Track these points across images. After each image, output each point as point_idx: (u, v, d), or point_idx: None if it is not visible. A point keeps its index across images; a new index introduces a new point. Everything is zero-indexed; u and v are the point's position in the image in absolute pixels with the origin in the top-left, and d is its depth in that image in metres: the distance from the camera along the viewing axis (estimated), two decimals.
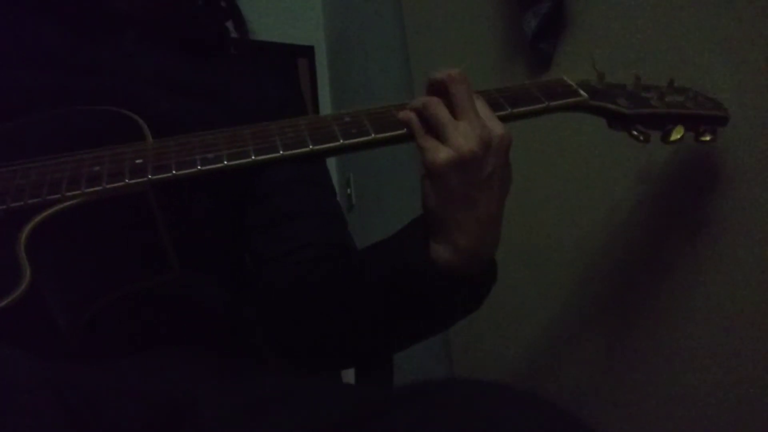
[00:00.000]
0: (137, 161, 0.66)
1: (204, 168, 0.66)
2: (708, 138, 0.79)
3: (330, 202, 0.93)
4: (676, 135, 0.77)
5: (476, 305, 0.78)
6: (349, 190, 2.31)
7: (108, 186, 0.64)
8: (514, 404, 0.54)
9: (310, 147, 0.68)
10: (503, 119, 0.72)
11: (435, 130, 0.69)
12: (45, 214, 0.62)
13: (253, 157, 0.67)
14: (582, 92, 0.76)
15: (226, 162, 0.66)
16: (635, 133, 0.76)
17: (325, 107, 2.35)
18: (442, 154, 0.67)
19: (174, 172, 0.65)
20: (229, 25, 0.99)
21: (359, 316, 0.77)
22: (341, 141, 0.69)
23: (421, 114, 0.70)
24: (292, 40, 2.14)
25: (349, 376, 1.00)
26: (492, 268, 0.75)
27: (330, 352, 0.83)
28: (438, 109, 0.69)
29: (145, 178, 0.65)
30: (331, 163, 2.33)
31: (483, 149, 0.67)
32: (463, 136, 0.67)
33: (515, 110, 0.73)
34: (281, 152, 0.67)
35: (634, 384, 1.00)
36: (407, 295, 0.72)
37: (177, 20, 0.92)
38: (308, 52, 2.23)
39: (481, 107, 0.70)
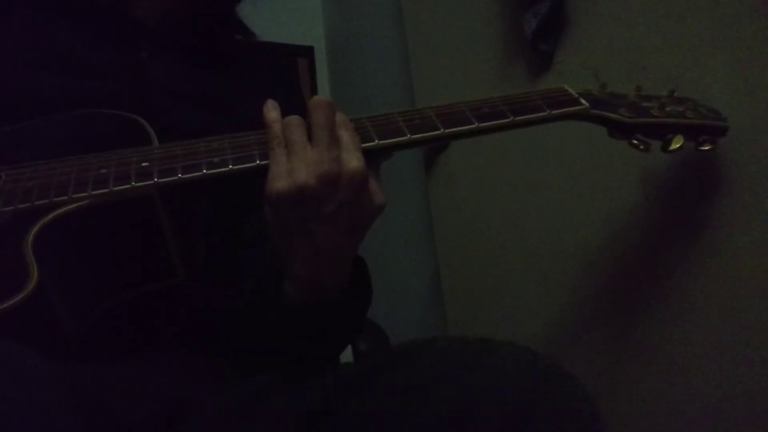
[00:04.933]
0: (144, 164, 0.67)
1: (209, 172, 0.66)
2: (707, 147, 0.80)
3: None
4: (676, 144, 0.78)
5: (348, 327, 0.76)
6: None
7: (114, 188, 0.65)
8: (499, 352, 0.60)
9: None
10: (506, 127, 0.73)
11: (288, 152, 0.65)
12: (52, 215, 0.63)
13: (257, 162, 0.67)
14: (583, 101, 0.77)
15: (231, 166, 0.67)
16: (635, 142, 0.77)
17: None
18: (279, 183, 0.63)
19: (180, 175, 0.66)
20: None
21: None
22: None
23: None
24: (291, 40, 2.14)
25: None
26: (355, 293, 0.73)
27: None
28: (293, 131, 0.66)
29: (151, 181, 0.65)
30: None
31: (323, 185, 0.62)
32: (306, 168, 0.63)
33: (517, 118, 0.73)
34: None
35: (634, 385, 1.00)
36: (264, 323, 0.72)
37: (192, 30, 0.92)
38: (308, 52, 2.22)
39: (347, 138, 0.66)
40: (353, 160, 0.64)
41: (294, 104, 0.99)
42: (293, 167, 0.63)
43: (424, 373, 0.58)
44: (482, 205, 1.39)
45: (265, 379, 0.69)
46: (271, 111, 0.68)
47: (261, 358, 0.75)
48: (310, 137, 0.65)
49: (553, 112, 0.74)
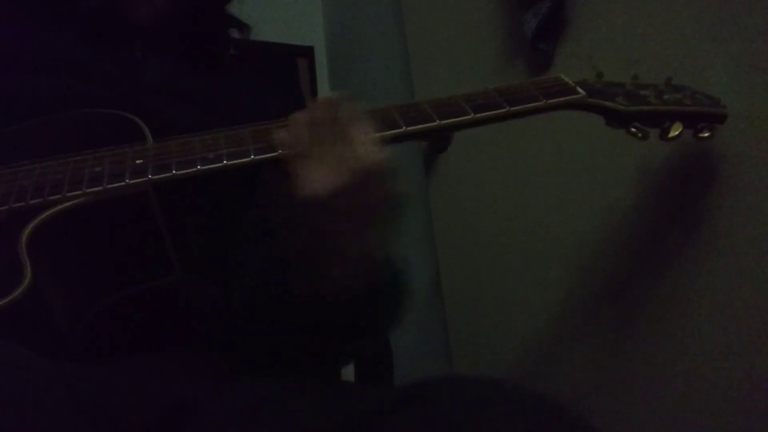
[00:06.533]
0: (138, 161, 0.67)
1: (204, 167, 0.66)
2: (706, 135, 0.79)
3: None
4: (674, 132, 0.77)
5: (386, 319, 0.76)
6: None
7: (108, 186, 0.64)
8: (516, 402, 0.55)
9: None
10: (502, 117, 0.72)
11: (302, 157, 0.64)
12: (46, 214, 0.63)
13: (252, 157, 0.67)
14: (580, 90, 0.76)
15: (225, 161, 0.66)
16: (633, 130, 0.77)
17: None
18: (311, 188, 0.62)
19: (174, 171, 0.66)
20: (233, 32, 1.00)
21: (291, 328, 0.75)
22: None
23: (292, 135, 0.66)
24: (291, 41, 2.14)
25: (348, 375, 1.00)
26: (390, 287, 0.72)
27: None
28: (302, 134, 0.65)
29: (146, 178, 0.65)
30: None
31: (354, 182, 0.62)
32: (335, 166, 0.62)
33: (513, 108, 0.73)
34: (280, 150, 0.68)
35: (632, 383, 1.00)
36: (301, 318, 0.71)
37: (185, 30, 0.92)
38: (308, 52, 2.22)
39: (356, 133, 0.64)
40: (375, 153, 0.63)
41: (294, 104, 0.99)
42: (322, 170, 0.62)
43: (439, 416, 0.55)
44: (482, 205, 1.40)
45: (271, 384, 0.68)
46: (281, 132, 0.67)
47: (282, 353, 0.75)
48: (329, 136, 0.64)
49: (549, 101, 0.74)
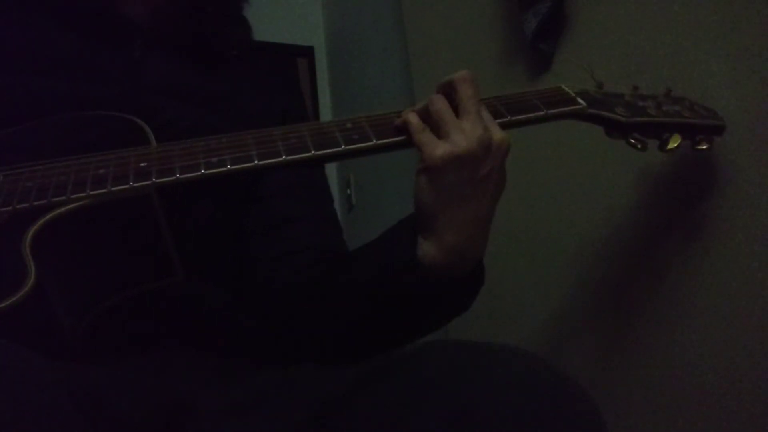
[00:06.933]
0: (142, 165, 0.67)
1: (208, 172, 0.66)
2: (704, 147, 0.80)
3: (328, 207, 0.94)
4: (673, 143, 0.78)
5: (464, 306, 0.79)
6: (349, 191, 2.31)
7: (113, 189, 0.65)
8: (503, 355, 0.58)
9: (312, 152, 0.69)
10: (502, 126, 0.73)
11: (436, 127, 0.69)
12: (50, 215, 0.63)
13: (256, 162, 0.67)
14: (580, 101, 0.77)
15: (229, 166, 0.67)
16: (633, 141, 0.77)
17: (325, 107, 2.36)
18: (440, 148, 0.68)
19: (178, 175, 0.66)
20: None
21: (350, 315, 0.78)
22: (343, 147, 0.69)
23: (424, 111, 0.71)
24: (292, 41, 2.15)
25: None
26: (479, 271, 0.76)
27: (325, 351, 0.84)
28: (442, 105, 0.70)
29: (150, 182, 0.65)
30: (331, 164, 2.34)
31: (481, 149, 0.68)
32: (463, 134, 0.68)
33: (514, 118, 0.73)
34: (284, 157, 0.68)
35: (631, 383, 1.00)
36: (394, 293, 0.73)
37: (185, 29, 0.92)
38: (308, 52, 2.23)
39: (484, 112, 0.71)
40: (497, 131, 0.70)
41: (294, 104, 0.99)
42: (451, 136, 0.68)
43: (427, 376, 0.58)
44: None
45: (268, 378, 0.69)
46: (410, 113, 0.72)
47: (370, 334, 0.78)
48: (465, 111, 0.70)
49: (551, 111, 0.75)
